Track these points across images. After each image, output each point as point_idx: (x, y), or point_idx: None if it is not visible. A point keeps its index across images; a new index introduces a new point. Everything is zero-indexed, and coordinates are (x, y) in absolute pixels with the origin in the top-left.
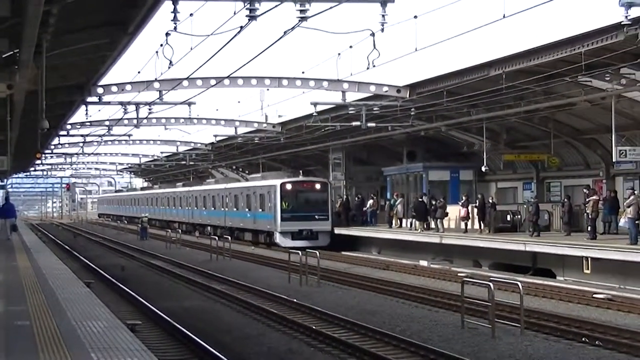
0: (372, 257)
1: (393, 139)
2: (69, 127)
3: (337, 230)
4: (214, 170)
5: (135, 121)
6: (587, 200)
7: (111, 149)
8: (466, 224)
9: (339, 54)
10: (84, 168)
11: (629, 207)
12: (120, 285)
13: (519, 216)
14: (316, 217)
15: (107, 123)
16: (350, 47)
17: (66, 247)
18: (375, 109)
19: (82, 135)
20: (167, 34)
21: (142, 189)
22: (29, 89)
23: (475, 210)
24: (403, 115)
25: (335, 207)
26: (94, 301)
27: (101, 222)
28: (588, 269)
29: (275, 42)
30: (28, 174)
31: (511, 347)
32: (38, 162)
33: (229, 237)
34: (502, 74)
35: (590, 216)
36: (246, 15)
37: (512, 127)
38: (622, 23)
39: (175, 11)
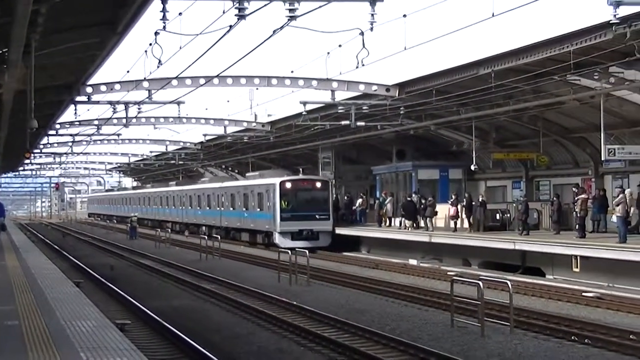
0: (361, 256)
1: (382, 138)
2: (58, 126)
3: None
4: (203, 169)
5: (124, 120)
6: (576, 198)
7: (100, 148)
8: (455, 223)
9: (328, 53)
10: (73, 167)
11: (617, 205)
12: (110, 285)
13: (508, 215)
14: (317, 216)
15: (96, 122)
16: (340, 46)
17: (55, 246)
18: (364, 108)
19: (71, 135)
20: (156, 33)
21: (134, 188)
22: (17, 88)
23: (464, 209)
24: (392, 114)
25: None
26: (83, 301)
27: (90, 222)
28: (577, 267)
29: (265, 41)
30: (17, 173)
31: (500, 345)
32: (27, 161)
33: (219, 237)
34: (491, 73)
35: (579, 215)
36: (235, 15)
37: (501, 125)
38: (611, 22)
39: (164, 10)
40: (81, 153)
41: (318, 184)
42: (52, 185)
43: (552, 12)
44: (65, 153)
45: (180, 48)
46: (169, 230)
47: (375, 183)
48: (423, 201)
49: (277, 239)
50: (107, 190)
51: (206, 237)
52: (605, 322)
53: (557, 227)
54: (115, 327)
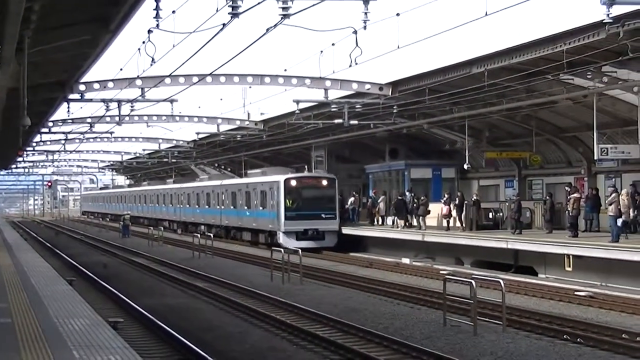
0: (354, 255)
1: (375, 137)
2: (50, 124)
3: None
4: (196, 167)
5: (117, 118)
6: (568, 197)
7: (93, 146)
8: (448, 222)
9: (322, 51)
10: (65, 165)
11: (610, 204)
12: (102, 283)
13: (501, 214)
14: (323, 215)
15: (89, 120)
16: (333, 44)
17: (48, 244)
18: (357, 106)
19: (63, 133)
20: (150, 31)
21: (130, 185)
22: (10, 86)
23: (456, 208)
24: (385, 113)
25: None
26: (76, 299)
27: (83, 220)
28: (570, 266)
29: (258, 39)
30: (9, 171)
31: (493, 344)
32: (19, 159)
33: (211, 235)
34: (484, 72)
35: (571, 214)
36: (229, 13)
37: (494, 124)
38: (604, 21)
39: (157, 8)
40: (74, 151)
41: (324, 182)
42: (45, 183)
43: (545, 11)
44: (58, 151)
45: (174, 46)
46: (161, 228)
47: (368, 182)
48: (416, 200)
49: (282, 238)
50: (101, 188)
51: (199, 235)
52: (598, 321)
53: (549, 226)
54: (108, 325)
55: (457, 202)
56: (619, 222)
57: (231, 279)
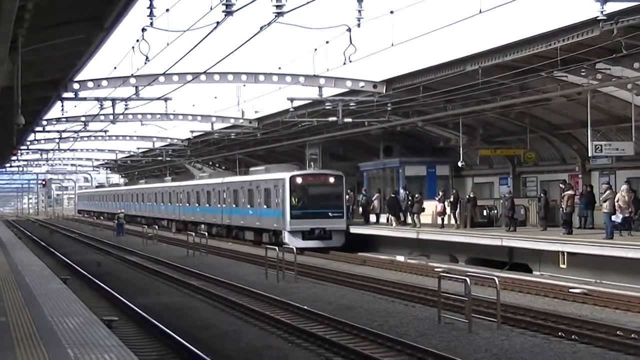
0: (349, 253)
1: (369, 135)
2: (44, 123)
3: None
4: (190, 165)
5: (111, 117)
6: (562, 194)
7: (87, 144)
8: (442, 219)
9: (316, 49)
10: (60, 164)
11: (604, 201)
12: (97, 282)
13: (495, 211)
14: (330, 214)
15: (83, 119)
16: (327, 42)
17: (42, 243)
18: (351, 104)
19: (58, 131)
20: (144, 30)
21: (127, 183)
22: (4, 84)
23: (450, 205)
24: (380, 111)
25: None
26: (71, 297)
27: (77, 219)
28: (564, 263)
29: (252, 37)
30: (3, 170)
31: (488, 341)
32: (14, 158)
33: (206, 234)
34: (478, 69)
35: (565, 211)
36: (222, 11)
37: (488, 122)
38: (598, 18)
39: (151, 6)
40: (68, 150)
41: (331, 179)
42: (39, 181)
43: (539, 9)
44: (52, 150)
45: (168, 44)
46: (156, 227)
47: (362, 180)
48: (410, 198)
49: (287, 238)
50: (97, 186)
51: (193, 234)
52: (592, 318)
53: (544, 223)
54: (102, 323)
55: (452, 199)
56: (619, 218)
57: (226, 277)
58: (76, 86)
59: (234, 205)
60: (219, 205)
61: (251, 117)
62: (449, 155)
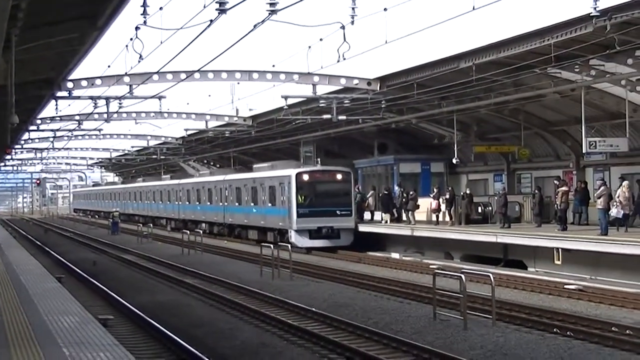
0: (344, 251)
1: (364, 132)
2: (38, 121)
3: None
4: (184, 164)
5: (105, 115)
6: (557, 190)
7: (81, 143)
8: (437, 216)
9: (310, 47)
10: (54, 163)
11: (599, 198)
12: (92, 280)
13: (490, 208)
14: (338, 212)
15: (77, 118)
16: (321, 40)
17: (37, 242)
18: (346, 101)
19: (52, 130)
20: (137, 28)
21: (124, 182)
22: None
23: (445, 202)
24: (374, 108)
25: None
26: (66, 296)
27: (72, 217)
28: (559, 260)
29: (245, 35)
30: None
31: (483, 338)
32: (8, 157)
33: (201, 232)
34: (472, 66)
35: (559, 207)
36: (216, 9)
37: (482, 119)
38: (591, 14)
39: (145, 5)
40: (62, 148)
41: (339, 176)
42: (34, 181)
43: (533, 5)
44: (46, 148)
45: (161, 43)
46: (150, 225)
47: (357, 177)
48: (405, 195)
49: (294, 237)
50: (94, 185)
51: (188, 232)
52: (587, 314)
53: (538, 219)
54: (98, 322)
55: (447, 196)
56: (620, 214)
57: (221, 275)
58: (70, 85)
59: (236, 204)
60: (220, 204)
61: (245, 115)
62: (443, 152)
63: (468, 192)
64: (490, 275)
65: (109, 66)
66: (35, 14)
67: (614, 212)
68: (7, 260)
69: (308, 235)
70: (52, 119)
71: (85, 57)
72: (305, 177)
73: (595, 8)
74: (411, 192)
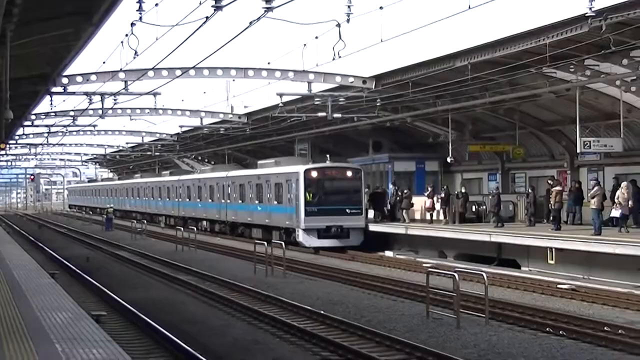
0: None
1: (359, 130)
2: (33, 117)
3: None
4: (179, 160)
5: (100, 111)
6: (551, 190)
7: (76, 139)
8: (431, 215)
9: (305, 44)
10: (48, 159)
11: (592, 198)
12: (85, 276)
13: (484, 207)
14: (347, 211)
15: (72, 113)
16: (316, 37)
17: (31, 238)
18: (341, 99)
19: (46, 126)
20: (133, 24)
21: (121, 178)
22: None
23: (440, 201)
24: (369, 106)
25: None
26: (59, 292)
27: (66, 213)
28: (552, 259)
29: (241, 32)
30: None
31: (476, 337)
32: (2, 152)
33: (195, 229)
34: (467, 65)
35: (553, 207)
36: (212, 6)
37: (477, 118)
38: (587, 14)
39: (140, 1)
40: (57, 144)
41: (349, 173)
42: (28, 176)
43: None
44: (40, 144)
45: (157, 39)
46: (144, 222)
47: None
48: (399, 193)
49: (301, 236)
50: (90, 181)
51: (182, 229)
52: (580, 313)
53: (532, 219)
54: (91, 318)
55: (442, 195)
56: (618, 214)
57: (214, 272)
58: (65, 81)
59: (239, 201)
60: (222, 201)
61: (240, 112)
62: (438, 151)
63: (463, 191)
64: (484, 274)
65: (104, 62)
66: (31, 10)
67: (614, 212)
68: (1, 256)
69: (316, 234)
70: (47, 114)
71: (81, 53)
72: (314, 174)
73: (590, 8)
74: (405, 191)
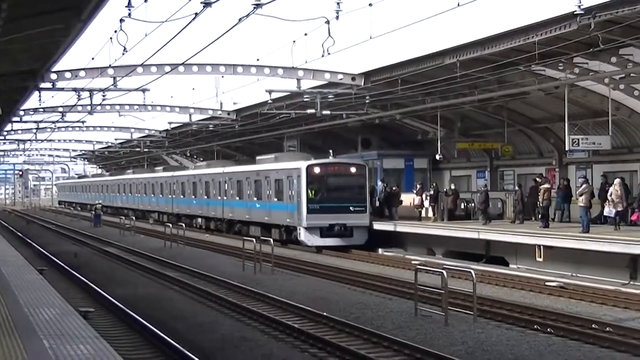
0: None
1: (348, 127)
2: (21, 113)
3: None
4: (167, 157)
5: (89, 108)
6: (539, 187)
7: (65, 135)
8: (420, 212)
9: (294, 41)
10: (37, 154)
11: (581, 195)
12: (73, 272)
13: (473, 204)
14: (351, 208)
15: (60, 109)
16: (306, 34)
17: (19, 233)
18: (330, 96)
19: (35, 122)
20: (122, 20)
21: (112, 174)
22: None
23: (429, 198)
24: (358, 103)
25: None
26: (47, 288)
27: (54, 209)
28: (541, 257)
29: (230, 29)
30: None
31: (464, 334)
32: None
33: (183, 225)
34: (456, 63)
35: (541, 204)
36: (201, 2)
37: (466, 115)
38: (575, 12)
39: None
40: (45, 140)
41: (352, 169)
42: (16, 172)
43: (517, 3)
44: (29, 140)
45: (146, 35)
46: (133, 218)
47: None
48: (388, 190)
49: (303, 235)
50: (80, 177)
51: (170, 225)
52: (568, 311)
53: (520, 216)
54: (78, 314)
55: (432, 192)
56: (612, 212)
57: (203, 268)
58: (54, 76)
59: (237, 198)
60: (219, 198)
61: (229, 109)
62: (427, 148)
63: (453, 187)
64: (472, 271)
65: (93, 58)
66: (19, 5)
67: (606, 210)
68: None
69: (319, 233)
70: (35, 110)
71: (69, 49)
72: (317, 170)
73: (579, 6)
74: (394, 188)
